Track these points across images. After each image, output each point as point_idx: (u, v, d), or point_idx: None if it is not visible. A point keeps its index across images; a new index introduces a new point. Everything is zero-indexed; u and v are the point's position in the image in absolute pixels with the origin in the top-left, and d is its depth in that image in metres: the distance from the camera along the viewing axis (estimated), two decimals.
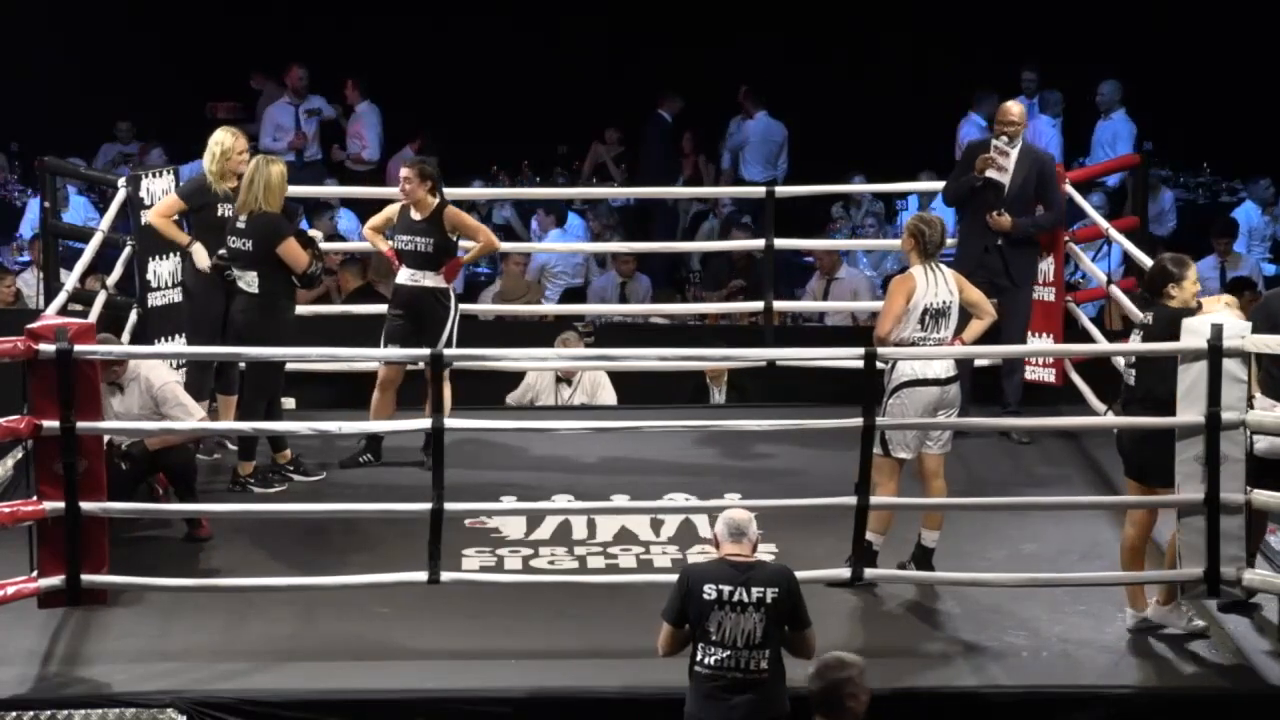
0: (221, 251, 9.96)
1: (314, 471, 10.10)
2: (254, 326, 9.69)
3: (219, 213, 10.16)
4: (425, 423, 8.25)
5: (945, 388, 8.63)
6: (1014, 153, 10.54)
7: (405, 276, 10.16)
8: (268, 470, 9.93)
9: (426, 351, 8.59)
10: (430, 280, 10.11)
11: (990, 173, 10.50)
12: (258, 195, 9.72)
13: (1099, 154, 15.54)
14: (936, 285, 8.69)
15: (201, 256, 10.16)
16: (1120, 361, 9.03)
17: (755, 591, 6.95)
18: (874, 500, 8.29)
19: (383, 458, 10.27)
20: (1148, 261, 10.09)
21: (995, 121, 10.80)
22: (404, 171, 10.22)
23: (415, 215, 10.14)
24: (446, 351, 8.64)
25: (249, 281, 9.76)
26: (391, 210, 10.29)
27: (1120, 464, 8.53)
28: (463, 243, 10.26)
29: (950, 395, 8.67)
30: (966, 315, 8.85)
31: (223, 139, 10.18)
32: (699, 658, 7.00)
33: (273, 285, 9.75)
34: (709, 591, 6.96)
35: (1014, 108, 10.75)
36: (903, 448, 8.67)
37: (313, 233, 10.00)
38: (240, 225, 9.80)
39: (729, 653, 6.94)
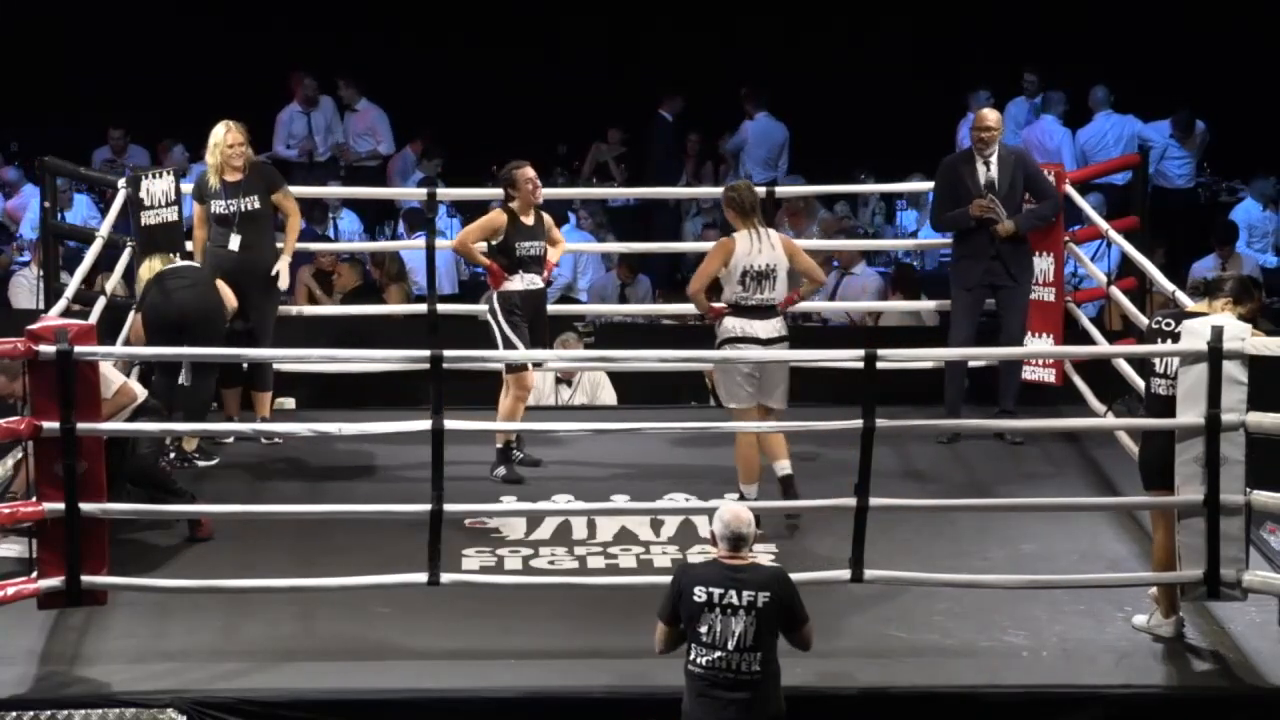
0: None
1: (210, 456, 10.16)
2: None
3: (212, 209, 10.25)
4: (426, 423, 8.24)
5: (767, 348, 9.06)
6: (994, 164, 10.55)
7: (524, 282, 10.00)
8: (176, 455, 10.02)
9: (426, 352, 8.59)
10: (540, 282, 10.10)
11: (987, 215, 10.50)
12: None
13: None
14: (760, 248, 9.15)
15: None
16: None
17: (746, 595, 6.95)
18: (874, 501, 8.26)
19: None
20: (1147, 262, 10.11)
21: (972, 128, 10.74)
22: (531, 172, 9.93)
23: (529, 220, 10.01)
24: (447, 353, 8.61)
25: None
26: (494, 220, 9.99)
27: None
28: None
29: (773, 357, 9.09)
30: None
31: (215, 131, 10.21)
32: (692, 657, 7.00)
33: None
34: (699, 594, 6.97)
35: (990, 115, 10.71)
36: (733, 399, 9.23)
37: None
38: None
39: (720, 654, 6.95)
